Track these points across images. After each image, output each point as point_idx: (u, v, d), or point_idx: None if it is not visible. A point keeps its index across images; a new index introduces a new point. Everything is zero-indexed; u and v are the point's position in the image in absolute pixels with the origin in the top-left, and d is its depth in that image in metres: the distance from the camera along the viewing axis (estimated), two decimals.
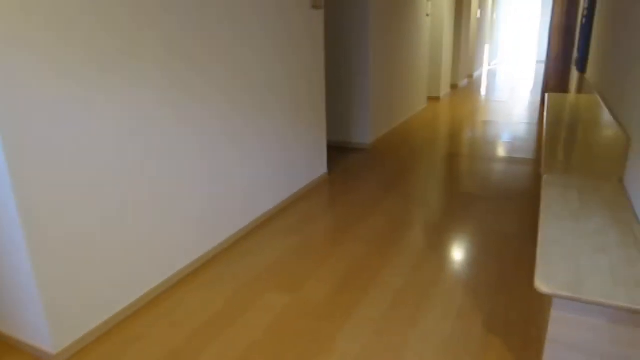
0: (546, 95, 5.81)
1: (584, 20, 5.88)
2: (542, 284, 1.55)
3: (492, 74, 12.58)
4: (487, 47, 13.04)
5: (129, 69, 2.08)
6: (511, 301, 2.36)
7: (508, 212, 3.43)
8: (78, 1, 1.82)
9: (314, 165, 3.89)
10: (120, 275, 2.20)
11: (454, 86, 9.33)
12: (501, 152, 5.00)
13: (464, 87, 9.73)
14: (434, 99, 7.86)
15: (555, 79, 6.93)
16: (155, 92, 2.24)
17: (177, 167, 2.43)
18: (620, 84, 2.90)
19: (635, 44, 2.57)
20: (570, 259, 1.76)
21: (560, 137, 3.59)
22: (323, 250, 2.89)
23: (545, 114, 4.87)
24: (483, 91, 9.41)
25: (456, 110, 7.32)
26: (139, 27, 2.11)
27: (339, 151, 4.94)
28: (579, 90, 6.30)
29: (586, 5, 5.82)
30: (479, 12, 10.86)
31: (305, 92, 3.58)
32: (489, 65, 13.98)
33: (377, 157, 4.74)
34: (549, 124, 4.05)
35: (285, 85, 3.30)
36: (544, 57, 15.30)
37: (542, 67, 14.33)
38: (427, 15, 6.63)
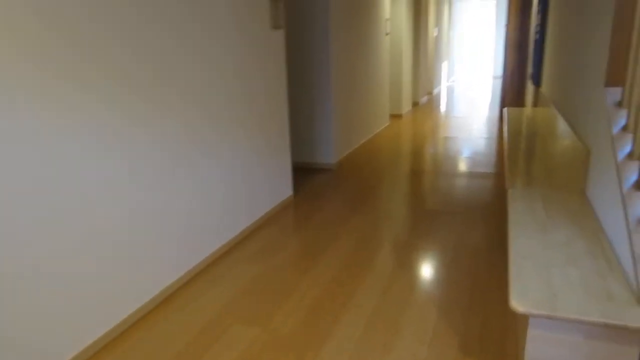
0: (504, 109, 5.94)
1: (537, 36, 6.08)
2: (517, 304, 1.51)
3: (450, 91, 12.87)
4: (445, 65, 13.37)
5: (66, 96, 1.97)
6: (485, 318, 2.32)
7: (474, 226, 3.43)
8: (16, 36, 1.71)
9: (279, 187, 3.80)
10: (68, 322, 2.04)
11: (415, 103, 9.47)
12: (463, 167, 5.04)
13: (424, 104, 9.89)
14: (396, 117, 7.93)
15: (512, 93, 7.12)
16: (95, 118, 2.13)
17: (124, 201, 2.31)
18: (576, 97, 2.96)
19: (586, 60, 2.64)
20: (542, 273, 1.73)
21: (521, 150, 3.64)
22: (291, 277, 2.80)
23: (504, 128, 4.96)
24: (443, 107, 9.58)
25: (418, 127, 7.40)
26: (75, 52, 2.00)
27: (304, 172, 4.88)
28: (535, 103, 6.48)
29: (538, 22, 6.02)
30: (436, 30, 11.13)
31: (267, 114, 3.52)
32: (447, 82, 14.32)
33: (342, 177, 4.70)
34: (509, 138, 4.11)
35: (246, 107, 3.23)
36: (499, 72, 15.82)
37: (499, 82, 14.79)
38: (387, 34, 6.73)
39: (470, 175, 4.72)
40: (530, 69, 6.52)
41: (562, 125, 3.46)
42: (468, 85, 14.19)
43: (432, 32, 10.82)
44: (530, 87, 7.06)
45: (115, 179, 2.19)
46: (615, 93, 2.29)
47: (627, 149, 2.02)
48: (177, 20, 2.51)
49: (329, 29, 4.58)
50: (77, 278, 2.04)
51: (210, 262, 2.96)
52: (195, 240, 2.80)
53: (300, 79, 4.79)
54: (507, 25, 7.14)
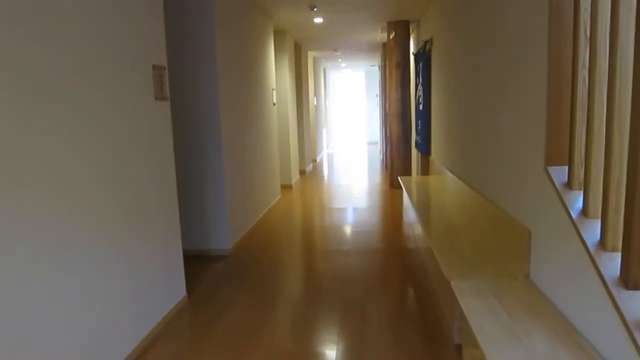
0: (399, 178, 5.89)
1: (420, 107, 6.24)
2: None
3: (331, 157, 13.03)
4: (324, 132, 13.60)
5: None
6: None
7: (404, 317, 3.04)
8: None
9: (170, 289, 3.08)
10: None
11: (302, 172, 9.27)
12: (363, 242, 4.77)
13: (310, 172, 9.74)
14: (286, 188, 7.57)
15: (399, 161, 7.20)
16: None
17: None
18: (502, 174, 2.79)
19: (512, 136, 2.48)
20: None
21: (441, 229, 3.41)
22: None
23: (407, 199, 4.77)
24: (329, 175, 9.52)
25: (309, 198, 7.11)
26: None
27: (196, 262, 4.17)
28: (426, 171, 6.59)
29: (420, 94, 6.20)
30: (315, 99, 11.28)
31: (152, 198, 2.86)
32: (327, 149, 14.56)
33: (241, 266, 4.08)
34: (420, 214, 3.87)
35: (126, 192, 2.55)
36: (373, 139, 16.58)
37: (373, 148, 15.43)
38: (274, 104, 6.45)
39: (373, 251, 4.42)
40: (416, 138, 6.66)
41: (477, 199, 3.32)
42: (346, 152, 14.55)
43: (312, 100, 10.93)
44: (415, 155, 7.23)
45: None
46: (559, 173, 2.12)
47: (594, 237, 1.80)
48: (37, 94, 1.84)
49: (219, 100, 4.11)
50: None
51: None
52: None
53: (188, 155, 4.19)
54: (388, 95, 7.33)
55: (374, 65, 14.75)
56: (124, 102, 2.55)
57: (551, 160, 2.16)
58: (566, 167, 2.09)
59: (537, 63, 2.22)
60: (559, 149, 2.14)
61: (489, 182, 3.04)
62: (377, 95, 14.93)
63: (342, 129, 18.68)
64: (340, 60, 12.55)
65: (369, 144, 16.78)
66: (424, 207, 4.21)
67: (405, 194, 5.80)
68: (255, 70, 5.47)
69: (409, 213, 5.35)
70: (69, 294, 2.06)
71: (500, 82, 2.74)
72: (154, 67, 2.87)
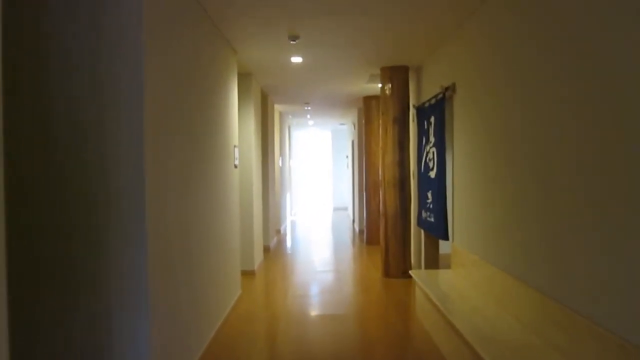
0: (414, 276, 4.21)
1: (431, 173, 4.71)
2: None
3: (296, 226, 11.31)
4: (288, 197, 11.91)
5: None
6: None
7: None
8: None
9: None
10: None
11: (266, 249, 7.46)
12: None
13: (275, 249, 7.94)
14: (248, 275, 5.72)
15: (396, 242, 5.56)
16: None
17: None
18: None
19: None
20: None
21: None
22: None
23: (447, 320, 2.81)
24: (299, 253, 7.75)
25: (280, 296, 5.24)
26: None
27: None
28: (433, 258, 4.96)
29: (432, 156, 4.69)
30: (280, 160, 9.68)
31: None
32: (291, 215, 12.81)
33: None
34: None
35: None
36: (341, 204, 14.97)
37: (342, 214, 13.81)
38: (236, 167, 4.74)
39: None
40: (423, 215, 5.07)
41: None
42: (312, 219, 12.86)
43: (278, 161, 9.32)
44: (415, 235, 5.63)
45: None
46: None
47: None
48: None
49: (143, 159, 2.38)
50: None
51: None
52: None
53: (77, 254, 2.36)
54: (383, 159, 5.80)
55: (343, 124, 13.44)
56: None
57: None
58: None
59: None
60: None
61: None
62: (347, 157, 13.50)
63: (306, 192, 17.07)
64: (308, 116, 11.14)
65: (336, 209, 15.19)
66: (485, 343, 2.51)
67: (423, 302, 3.98)
68: (211, 120, 3.78)
69: (432, 325, 3.62)
70: None
71: None
72: None
